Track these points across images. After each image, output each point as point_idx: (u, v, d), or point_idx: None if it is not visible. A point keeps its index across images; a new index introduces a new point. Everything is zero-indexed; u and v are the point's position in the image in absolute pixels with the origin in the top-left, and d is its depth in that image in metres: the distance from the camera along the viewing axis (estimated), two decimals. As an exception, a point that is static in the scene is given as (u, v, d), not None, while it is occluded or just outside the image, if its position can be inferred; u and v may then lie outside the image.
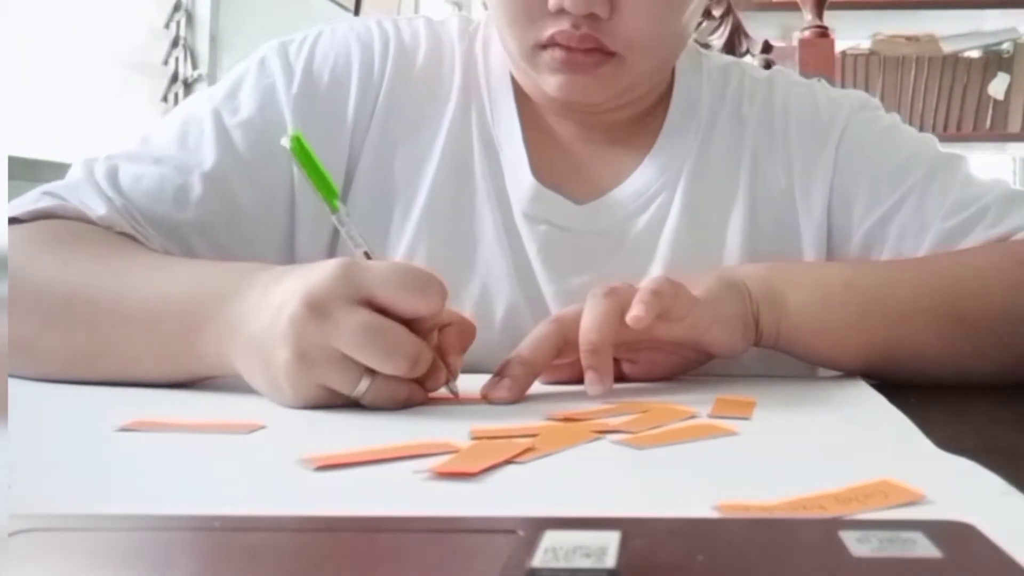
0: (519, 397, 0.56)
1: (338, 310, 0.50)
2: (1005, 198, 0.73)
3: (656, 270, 0.74)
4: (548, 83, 0.71)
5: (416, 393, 0.53)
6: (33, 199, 0.68)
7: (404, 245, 0.75)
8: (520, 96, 0.79)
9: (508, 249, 0.75)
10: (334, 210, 0.58)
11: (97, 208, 0.68)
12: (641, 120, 0.80)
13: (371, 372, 0.51)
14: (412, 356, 0.51)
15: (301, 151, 0.57)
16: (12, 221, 0.67)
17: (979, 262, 0.69)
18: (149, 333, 0.58)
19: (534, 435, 0.44)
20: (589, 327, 0.57)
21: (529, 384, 0.57)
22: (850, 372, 0.68)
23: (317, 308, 0.50)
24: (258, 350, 0.52)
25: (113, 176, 0.70)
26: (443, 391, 0.56)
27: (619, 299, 0.58)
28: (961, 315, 0.66)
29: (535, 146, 0.77)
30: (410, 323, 0.52)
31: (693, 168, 0.77)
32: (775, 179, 0.78)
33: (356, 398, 0.52)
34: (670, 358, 0.64)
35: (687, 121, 0.79)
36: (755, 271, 0.67)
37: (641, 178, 0.77)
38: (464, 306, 0.72)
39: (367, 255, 0.58)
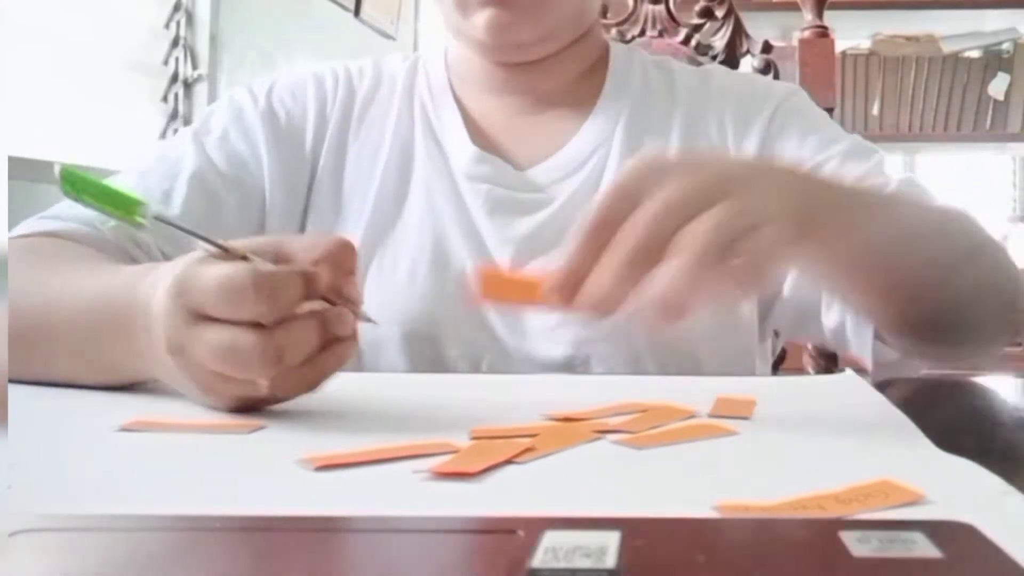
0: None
1: (189, 341, 0.48)
2: (909, 184, 0.75)
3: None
4: (478, 22, 0.78)
5: (329, 362, 0.50)
6: (31, 226, 0.74)
7: (360, 232, 0.80)
8: (458, 96, 0.86)
9: (453, 210, 0.80)
10: (138, 225, 0.50)
11: (81, 220, 0.72)
12: (575, 92, 0.86)
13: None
14: (272, 358, 0.47)
15: (73, 182, 0.50)
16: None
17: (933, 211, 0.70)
18: (80, 343, 0.57)
19: (534, 435, 0.44)
20: (710, 223, 0.44)
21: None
22: (882, 308, 0.64)
23: (176, 345, 0.48)
24: (168, 374, 0.51)
25: None
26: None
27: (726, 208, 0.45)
28: (984, 253, 0.67)
29: (474, 126, 0.85)
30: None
31: (627, 123, 0.83)
32: (707, 140, 0.83)
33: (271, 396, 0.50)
34: None
35: (621, 91, 0.85)
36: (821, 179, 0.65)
37: (577, 144, 0.83)
38: (418, 269, 0.78)
39: (220, 247, 0.51)
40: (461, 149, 0.83)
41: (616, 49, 0.89)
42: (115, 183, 0.52)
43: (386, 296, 0.78)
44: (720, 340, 0.78)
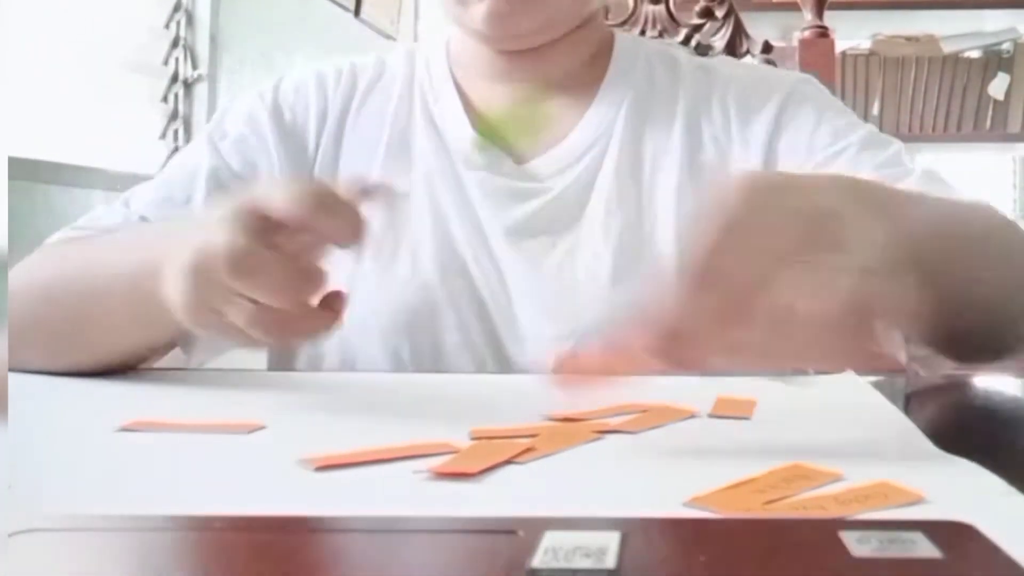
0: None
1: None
2: (929, 175, 0.74)
3: (595, 201, 0.79)
4: (477, 12, 0.78)
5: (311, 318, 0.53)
6: (58, 235, 0.78)
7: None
8: (459, 84, 0.86)
9: (456, 195, 0.80)
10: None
11: (112, 223, 0.77)
12: (577, 81, 0.85)
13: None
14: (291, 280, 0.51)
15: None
16: None
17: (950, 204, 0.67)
18: (125, 297, 0.62)
19: (534, 435, 0.44)
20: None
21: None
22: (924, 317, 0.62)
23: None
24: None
25: (125, 202, 0.81)
26: None
27: None
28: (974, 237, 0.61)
29: (475, 114, 0.84)
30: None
31: (629, 111, 0.82)
32: (711, 129, 0.81)
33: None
34: None
35: (623, 82, 0.85)
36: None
37: (576, 136, 0.83)
38: (420, 256, 0.78)
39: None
40: (461, 135, 0.83)
41: (621, 38, 0.89)
42: None
43: (387, 284, 0.78)
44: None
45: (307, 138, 0.85)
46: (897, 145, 0.79)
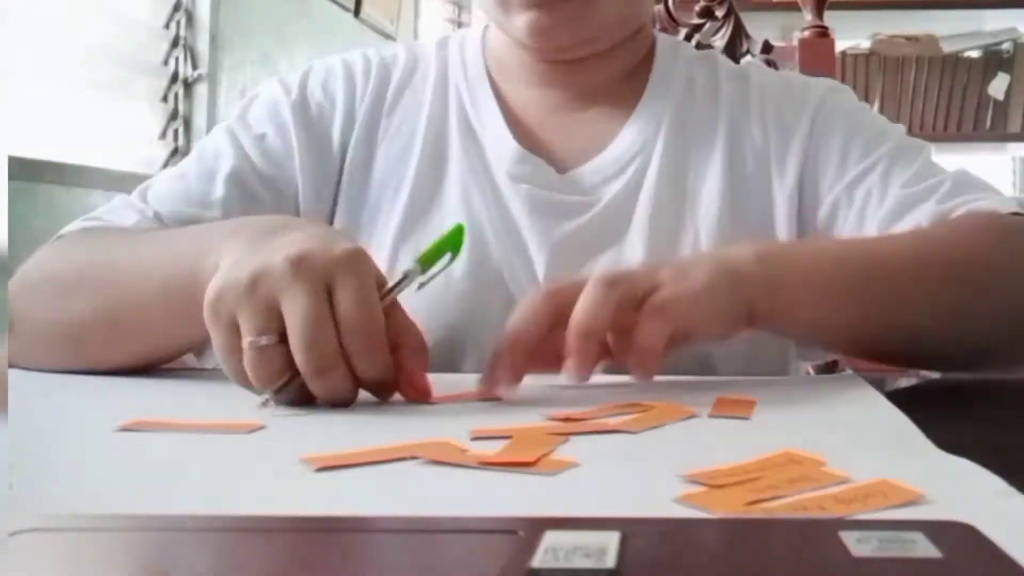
0: (518, 380, 0.56)
1: (311, 283, 0.50)
2: (961, 178, 0.76)
3: (639, 218, 0.78)
4: (519, 23, 0.76)
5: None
6: (75, 225, 0.76)
7: (393, 229, 0.79)
8: (496, 84, 0.84)
9: (494, 209, 0.79)
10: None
11: (127, 220, 0.75)
12: (619, 91, 0.83)
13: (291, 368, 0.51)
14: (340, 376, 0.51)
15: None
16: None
17: (957, 230, 0.70)
18: (156, 290, 0.62)
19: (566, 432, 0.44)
20: (584, 311, 0.56)
21: (525, 365, 0.57)
22: (848, 353, 0.69)
23: (299, 263, 0.51)
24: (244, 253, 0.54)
25: (142, 194, 0.79)
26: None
27: (619, 291, 0.57)
28: (951, 279, 0.65)
29: (514, 120, 0.82)
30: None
31: (671, 126, 0.81)
32: (751, 144, 0.81)
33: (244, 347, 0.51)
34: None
35: (664, 91, 0.83)
36: (749, 253, 0.65)
37: (620, 146, 0.81)
38: (454, 270, 0.74)
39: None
40: (502, 146, 0.81)
41: (662, 44, 0.87)
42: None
43: (419, 299, 0.75)
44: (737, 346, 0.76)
45: (332, 135, 0.82)
46: (926, 150, 0.79)
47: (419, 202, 0.80)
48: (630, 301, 0.57)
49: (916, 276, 0.65)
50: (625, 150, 0.80)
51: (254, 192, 0.79)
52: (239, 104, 0.86)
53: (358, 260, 0.52)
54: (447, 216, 0.78)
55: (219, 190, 0.78)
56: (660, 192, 0.78)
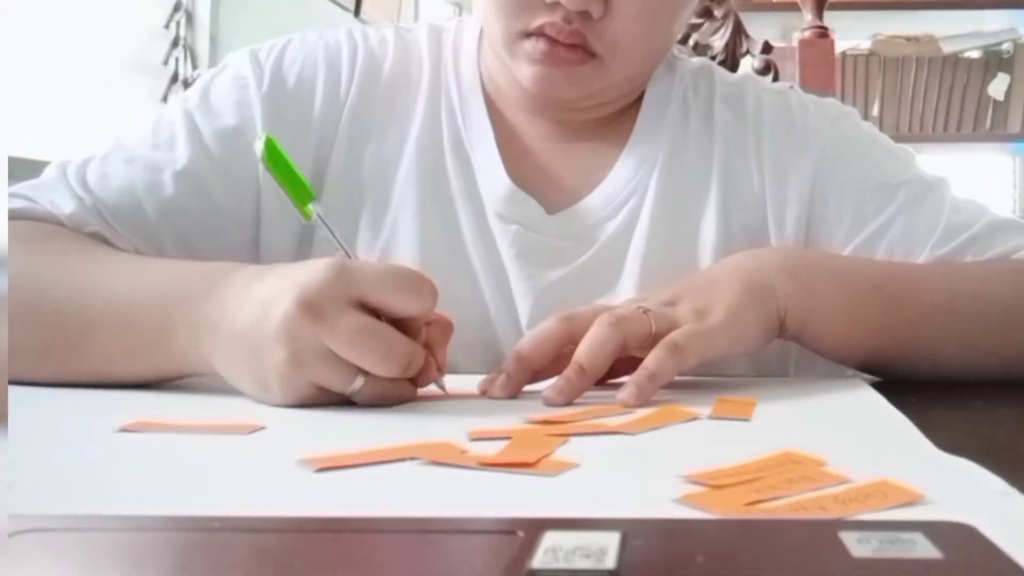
0: (515, 393, 0.57)
1: (332, 311, 0.50)
2: (993, 225, 0.73)
3: (629, 268, 0.74)
4: (524, 73, 0.71)
5: (407, 390, 0.54)
6: (12, 206, 0.69)
7: (379, 244, 0.75)
8: (490, 98, 0.79)
9: (481, 247, 0.75)
10: (306, 216, 0.57)
11: (66, 207, 0.69)
12: (612, 121, 0.79)
13: (364, 371, 0.51)
14: (405, 359, 0.52)
15: (273, 155, 0.56)
16: None
17: (987, 269, 0.71)
18: (120, 332, 0.58)
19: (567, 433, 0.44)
20: (587, 348, 0.57)
21: (525, 380, 0.58)
22: (864, 370, 0.69)
23: (311, 308, 0.50)
24: (245, 348, 0.52)
25: (83, 175, 0.72)
26: (432, 387, 0.57)
27: (624, 331, 0.57)
28: (979, 315, 0.67)
29: (506, 147, 0.77)
30: (399, 322, 0.53)
31: (664, 169, 0.77)
32: (747, 180, 0.77)
33: (349, 396, 0.52)
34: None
35: (658, 124, 0.79)
36: (779, 267, 0.65)
37: (612, 184, 0.77)
38: (442, 304, 0.72)
39: (348, 255, 0.58)
40: (494, 179, 0.76)
41: (656, 70, 0.80)
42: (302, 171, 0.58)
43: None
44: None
45: (307, 129, 0.76)
46: (944, 185, 0.76)
47: (405, 214, 0.75)
48: (640, 341, 0.57)
49: (946, 308, 0.67)
50: (614, 191, 0.76)
51: (208, 192, 0.73)
52: (203, 77, 0.78)
53: (350, 271, 0.53)
54: (437, 249, 0.75)
55: (169, 187, 0.71)
56: (653, 240, 0.75)
